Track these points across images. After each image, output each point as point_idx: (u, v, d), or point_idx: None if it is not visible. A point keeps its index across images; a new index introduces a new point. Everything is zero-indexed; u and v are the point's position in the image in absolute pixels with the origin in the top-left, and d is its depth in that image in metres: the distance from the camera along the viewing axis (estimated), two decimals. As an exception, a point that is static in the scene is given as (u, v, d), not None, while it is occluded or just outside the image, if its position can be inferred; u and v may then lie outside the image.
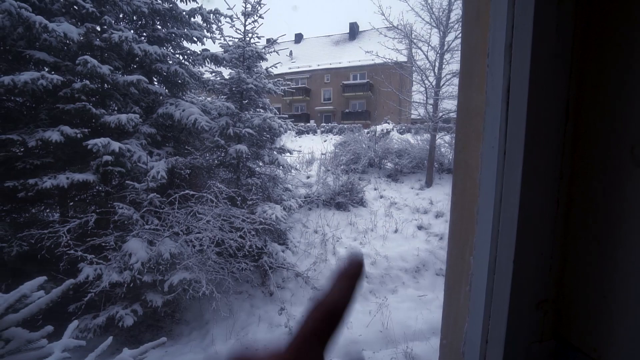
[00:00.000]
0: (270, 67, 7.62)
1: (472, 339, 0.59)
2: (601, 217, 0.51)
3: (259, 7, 7.25)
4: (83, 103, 5.39)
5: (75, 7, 5.62)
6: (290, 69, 30.34)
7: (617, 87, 0.48)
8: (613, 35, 0.48)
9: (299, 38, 35.62)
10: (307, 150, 12.99)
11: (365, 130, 15.29)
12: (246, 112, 7.32)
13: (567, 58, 0.50)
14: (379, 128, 15.37)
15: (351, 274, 0.27)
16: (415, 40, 11.66)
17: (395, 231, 8.23)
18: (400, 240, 7.88)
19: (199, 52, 7.65)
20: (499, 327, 0.54)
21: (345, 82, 27.73)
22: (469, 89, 0.64)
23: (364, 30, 31.61)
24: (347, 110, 27.23)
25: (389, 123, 17.73)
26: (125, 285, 4.84)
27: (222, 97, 7.79)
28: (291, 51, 32.66)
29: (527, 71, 0.48)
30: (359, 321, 5.29)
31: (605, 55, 0.49)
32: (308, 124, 20.41)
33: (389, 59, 11.95)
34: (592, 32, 0.50)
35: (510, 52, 0.50)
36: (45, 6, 5.37)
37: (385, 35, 11.62)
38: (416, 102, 12.54)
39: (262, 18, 7.24)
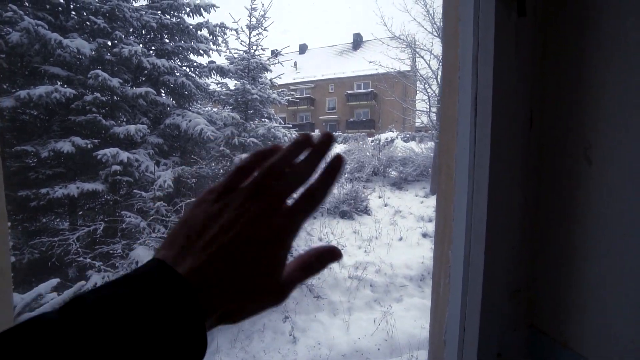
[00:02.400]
0: (275, 78, 7.79)
1: (452, 327, 0.63)
2: (565, 212, 0.56)
3: (264, 21, 7.47)
4: (94, 115, 5.57)
5: (87, 23, 5.86)
6: (294, 79, 30.80)
7: (572, 96, 0.53)
8: (567, 50, 0.54)
9: (303, 49, 36.24)
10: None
11: (370, 139, 15.38)
12: (251, 122, 7.47)
13: (527, 70, 0.56)
14: (383, 136, 15.45)
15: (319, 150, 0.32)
16: (417, 50, 11.82)
17: (400, 239, 8.20)
18: (405, 248, 7.85)
19: (205, 65, 7.87)
20: (474, 316, 0.59)
21: (349, 92, 28.02)
22: (448, 99, 0.70)
23: (368, 40, 32.06)
24: (351, 120, 27.43)
25: (393, 131, 17.81)
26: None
27: (227, 107, 7.97)
28: (296, 62, 33.21)
29: (491, 82, 0.54)
30: (364, 330, 5.26)
31: (562, 68, 0.55)
32: (312, 133, 20.57)
33: (392, 68, 12.11)
34: (550, 47, 0.56)
35: (477, 66, 0.57)
36: (60, 23, 5.61)
37: (388, 45, 11.81)
38: (420, 110, 12.63)
39: (267, 31, 7.44)
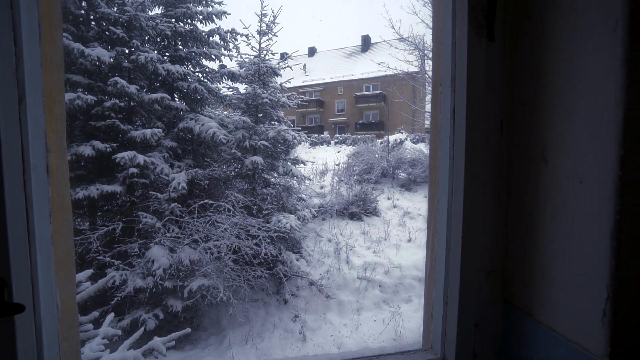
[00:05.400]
0: (284, 82, 7.96)
1: (437, 303, 0.74)
2: (529, 203, 0.66)
3: (274, 26, 7.65)
4: (112, 120, 5.83)
5: (107, 33, 6.14)
6: (304, 82, 31.04)
7: (532, 108, 0.64)
8: (528, 70, 0.65)
9: (312, 52, 36.48)
10: (321, 161, 13.22)
11: (379, 141, 15.41)
12: (261, 125, 7.64)
13: (497, 86, 0.67)
14: (392, 138, 15.45)
15: None
16: (426, 51, 11.83)
17: (409, 240, 8.23)
18: (414, 249, 7.87)
19: (217, 70, 8.10)
20: (454, 293, 0.70)
21: (358, 94, 28.07)
22: (435, 110, 0.82)
23: (376, 42, 32.07)
24: (360, 121, 27.46)
25: (402, 133, 17.78)
26: (148, 290, 5.11)
27: (238, 111, 8.17)
28: (305, 64, 33.46)
29: (465, 96, 0.65)
30: (372, 329, 5.33)
31: (524, 84, 0.66)
32: (322, 135, 20.72)
33: (401, 70, 12.16)
34: (515, 67, 0.67)
35: (454, 83, 0.68)
36: (81, 34, 5.91)
37: (396, 47, 11.86)
38: (429, 112, 12.62)
39: (276, 36, 7.62)
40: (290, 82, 7.93)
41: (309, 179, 8.62)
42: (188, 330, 1.94)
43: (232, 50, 8.21)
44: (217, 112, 8.90)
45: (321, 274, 6.65)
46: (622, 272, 0.50)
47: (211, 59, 7.76)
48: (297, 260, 6.63)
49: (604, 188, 0.51)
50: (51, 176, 0.64)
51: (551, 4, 0.59)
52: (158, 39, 7.68)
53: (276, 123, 8.15)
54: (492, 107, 0.66)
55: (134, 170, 5.68)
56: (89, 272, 1.45)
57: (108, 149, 5.69)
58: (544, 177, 0.62)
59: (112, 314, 1.91)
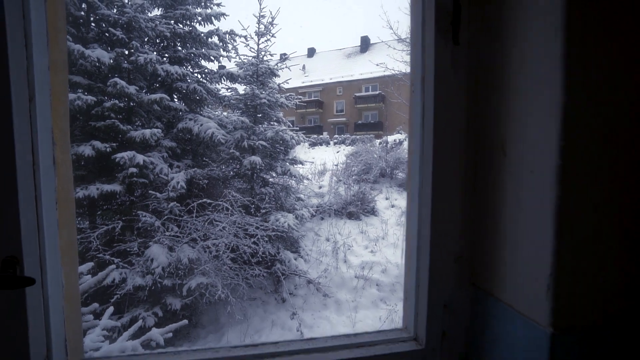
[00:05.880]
0: (283, 82, 8.02)
1: (410, 287, 0.81)
2: (492, 194, 0.72)
3: (272, 27, 7.73)
4: (112, 120, 5.89)
5: (107, 34, 6.21)
6: (303, 82, 31.11)
7: (495, 105, 0.71)
8: (490, 70, 0.71)
9: (311, 52, 36.56)
10: (320, 161, 13.27)
11: (378, 141, 15.47)
12: (260, 126, 7.71)
13: (463, 86, 0.74)
14: (391, 138, 15.52)
15: None
16: (424, 52, 11.87)
17: (406, 239, 8.29)
18: (411, 248, 7.92)
19: (216, 70, 8.16)
20: (425, 277, 0.76)
21: (357, 94, 28.14)
22: (411, 110, 0.88)
23: (375, 43, 32.16)
24: (359, 122, 27.53)
25: (401, 133, 17.85)
26: (148, 288, 5.17)
27: (237, 111, 8.24)
28: (304, 65, 33.53)
29: (432, 96, 0.72)
30: (369, 327, 5.39)
31: (487, 84, 0.72)
32: (321, 136, 20.80)
33: (399, 70, 12.23)
34: (479, 68, 0.73)
35: (424, 83, 0.74)
36: (82, 35, 5.97)
37: (394, 48, 11.93)
38: (427, 112, 12.67)
39: (274, 37, 7.69)
40: (288, 83, 8.00)
41: (307, 179, 8.68)
42: (185, 321, 2.00)
43: (231, 51, 8.29)
44: (216, 112, 8.97)
45: (319, 272, 6.71)
46: (562, 250, 0.56)
47: (210, 60, 7.83)
48: (295, 259, 6.69)
49: (548, 176, 0.57)
50: (57, 169, 0.70)
51: (506, 15, 0.66)
52: (157, 40, 7.75)
53: (275, 123, 8.22)
54: (458, 105, 0.73)
55: (133, 170, 5.74)
56: (90, 264, 1.51)
57: (108, 149, 5.76)
58: (503, 169, 0.68)
59: (112, 308, 1.98)
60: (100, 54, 5.62)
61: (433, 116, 0.72)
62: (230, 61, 8.47)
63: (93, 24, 6.48)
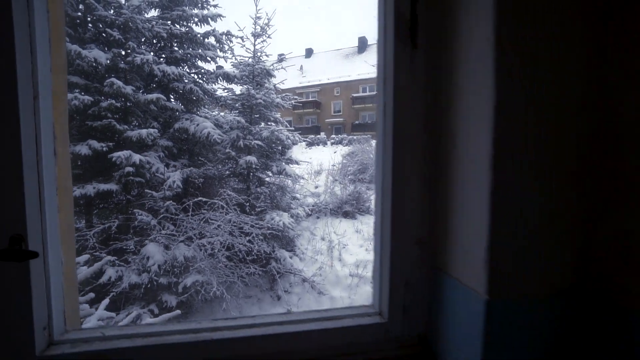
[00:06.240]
0: (279, 83, 8.12)
1: (376, 267, 0.90)
2: (446, 182, 0.82)
3: (268, 28, 7.82)
4: (109, 120, 5.96)
5: (104, 34, 6.27)
6: (301, 83, 31.22)
7: (447, 103, 0.80)
8: (444, 71, 0.80)
9: (309, 53, 36.68)
10: (317, 161, 13.37)
11: (374, 141, 15.59)
12: (256, 126, 7.80)
13: (421, 86, 0.83)
14: (386, 139, 15.60)
15: None
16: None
17: (401, 238, 8.40)
18: (406, 247, 8.03)
19: (212, 71, 8.24)
20: (387, 259, 0.85)
21: (354, 95, 28.29)
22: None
23: (372, 44, 32.32)
24: (357, 122, 27.68)
25: (397, 134, 17.95)
26: (144, 286, 5.24)
27: (234, 112, 8.32)
28: (302, 66, 33.65)
29: (392, 95, 0.81)
30: (363, 323, 5.48)
31: (443, 83, 0.81)
32: (318, 136, 20.90)
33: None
34: (435, 69, 0.83)
35: (385, 83, 0.83)
36: (79, 35, 6.04)
37: (390, 50, 12.03)
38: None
39: (270, 38, 7.78)
40: (283, 83, 8.09)
41: (303, 179, 8.78)
42: (178, 312, 2.08)
43: (227, 52, 8.38)
44: (213, 112, 9.05)
45: (314, 271, 6.80)
46: (496, 229, 0.66)
47: (206, 61, 7.91)
48: (291, 257, 6.78)
49: (484, 165, 0.66)
50: (57, 160, 0.79)
51: (454, 23, 0.75)
52: (154, 41, 7.82)
53: (272, 124, 8.31)
54: (416, 102, 0.82)
55: (129, 169, 5.81)
56: (87, 256, 1.59)
57: (104, 148, 5.82)
58: (454, 160, 0.78)
59: (108, 300, 2.05)
60: (97, 55, 5.69)
61: (393, 113, 0.81)
62: (226, 62, 8.56)
63: (90, 25, 6.54)
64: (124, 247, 5.56)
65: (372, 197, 10.30)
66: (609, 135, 0.68)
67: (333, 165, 13.06)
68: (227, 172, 7.66)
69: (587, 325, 0.70)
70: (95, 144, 5.74)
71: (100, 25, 6.56)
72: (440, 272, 0.84)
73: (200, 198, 5.80)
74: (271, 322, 0.83)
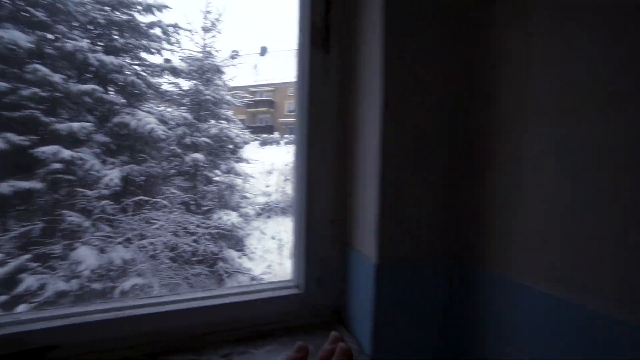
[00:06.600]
0: (229, 80, 7.96)
1: (294, 245, 1.01)
2: (353, 171, 0.96)
3: (218, 23, 7.63)
4: (31, 111, 5.33)
5: (25, 14, 5.60)
6: (255, 81, 30.64)
7: (354, 104, 0.94)
8: (352, 76, 0.94)
9: (263, 51, 36.20)
10: (269, 161, 13.28)
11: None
12: (204, 123, 7.55)
13: (333, 86, 0.96)
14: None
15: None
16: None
17: (350, 236, 8.74)
18: (354, 244, 8.38)
19: (159, 64, 7.79)
20: (302, 237, 0.97)
21: (309, 97, 28.56)
22: (302, 103, 1.09)
23: (327, 48, 32.90)
24: (311, 124, 27.99)
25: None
26: (73, 293, 4.78)
27: (182, 108, 7.95)
28: (256, 64, 33.06)
29: (307, 93, 0.93)
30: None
31: (351, 85, 0.95)
32: (272, 135, 20.73)
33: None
34: (346, 73, 0.96)
35: (302, 83, 0.95)
36: (-8, 13, 5.31)
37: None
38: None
39: (220, 33, 7.61)
40: (233, 80, 7.96)
41: (254, 177, 8.69)
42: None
43: (175, 45, 7.98)
44: (158, 107, 8.54)
45: (263, 269, 6.79)
46: (384, 204, 0.81)
47: (151, 53, 7.45)
48: (239, 257, 6.68)
49: (375, 155, 0.81)
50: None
51: (357, 35, 0.90)
52: (89, 27, 7.16)
53: (224, 121, 8.10)
54: (330, 102, 0.95)
55: (57, 166, 5.27)
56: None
57: (26, 142, 5.20)
58: (358, 151, 0.92)
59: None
60: (14, 36, 5.07)
61: (308, 112, 0.93)
62: (173, 54, 8.14)
63: (7, 1, 5.79)
64: (49, 252, 5.01)
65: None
66: (470, 130, 0.87)
67: (286, 165, 13.08)
68: (173, 170, 7.30)
69: (459, 284, 0.89)
70: (13, 137, 5.10)
71: (20, 3, 5.83)
72: (349, 247, 0.98)
73: (141, 197, 5.47)
74: (196, 297, 0.89)
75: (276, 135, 22.03)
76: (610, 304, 0.55)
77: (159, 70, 7.60)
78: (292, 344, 0.91)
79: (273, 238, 8.01)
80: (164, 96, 7.82)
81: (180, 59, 8.03)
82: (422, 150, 0.84)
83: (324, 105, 0.95)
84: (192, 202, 6.26)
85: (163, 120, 7.21)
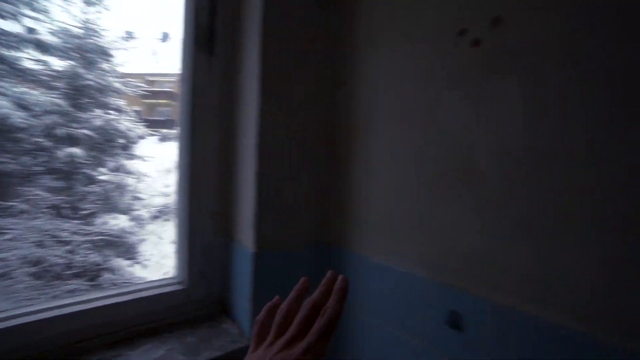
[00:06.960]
0: (119, 65, 6.96)
1: (177, 239, 1.01)
2: (234, 165, 1.01)
3: (105, -2, 6.59)
4: None
5: None
6: (155, 70, 27.37)
7: (237, 101, 1.00)
8: (240, 74, 1.00)
9: (165, 37, 32.70)
10: (169, 158, 12.09)
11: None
12: (85, 112, 6.41)
13: (217, 86, 1.00)
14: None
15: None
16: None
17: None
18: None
19: (15, 33, 6.25)
20: (185, 228, 0.98)
21: (217, 92, 27.11)
22: (188, 100, 1.09)
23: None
24: (219, 121, 26.62)
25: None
26: None
27: (54, 92, 6.55)
28: (156, 50, 29.59)
29: (191, 91, 0.95)
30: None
31: (236, 84, 1.01)
32: (173, 131, 18.90)
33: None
34: (229, 74, 1.02)
35: (187, 83, 0.97)
36: None
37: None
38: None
39: (107, 10, 6.60)
40: (124, 66, 7.00)
41: (149, 176, 7.80)
42: None
43: (42, 12, 6.52)
44: (15, 88, 6.82)
45: (159, 276, 6.17)
46: (261, 198, 0.89)
47: (2, 17, 5.92)
48: (131, 266, 5.90)
49: (252, 151, 0.89)
50: None
51: (241, 40, 0.96)
52: None
53: (113, 112, 6.99)
54: (213, 101, 0.98)
55: None
56: None
57: None
58: (238, 148, 0.98)
59: None
60: None
61: (190, 109, 0.95)
62: (39, 25, 6.65)
63: None
64: None
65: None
66: (338, 132, 1.03)
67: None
68: (39, 167, 5.97)
69: (327, 265, 1.04)
70: None
71: None
72: (231, 240, 1.04)
73: (-14, 200, 4.32)
74: (79, 302, 0.83)
75: (178, 130, 20.18)
76: (418, 268, 0.76)
77: (17, 41, 6.09)
78: (175, 339, 0.92)
79: (172, 243, 7.33)
80: (24, 75, 6.31)
81: (50, 32, 6.63)
82: (296, 148, 0.96)
83: (206, 104, 0.98)
84: (65, 206, 5.24)
85: (23, 105, 5.82)
